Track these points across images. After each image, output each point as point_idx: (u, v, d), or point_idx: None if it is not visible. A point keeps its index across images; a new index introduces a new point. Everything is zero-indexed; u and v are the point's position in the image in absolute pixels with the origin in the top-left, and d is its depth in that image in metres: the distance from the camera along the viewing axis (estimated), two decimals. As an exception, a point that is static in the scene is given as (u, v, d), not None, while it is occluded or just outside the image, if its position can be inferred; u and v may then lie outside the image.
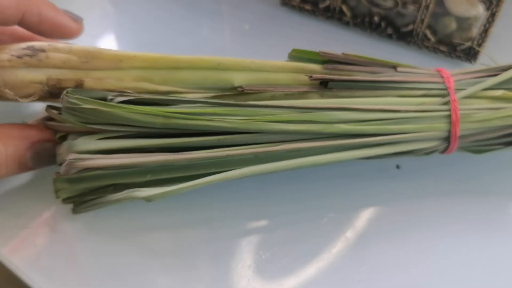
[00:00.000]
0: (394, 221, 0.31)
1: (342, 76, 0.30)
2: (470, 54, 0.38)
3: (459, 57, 0.39)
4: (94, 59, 0.27)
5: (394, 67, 0.32)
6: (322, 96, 0.30)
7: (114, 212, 0.29)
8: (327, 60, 0.31)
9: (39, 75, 0.26)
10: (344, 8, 0.40)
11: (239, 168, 0.28)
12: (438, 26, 0.38)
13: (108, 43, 0.42)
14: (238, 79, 0.29)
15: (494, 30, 0.36)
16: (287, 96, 0.30)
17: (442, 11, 0.37)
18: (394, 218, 0.31)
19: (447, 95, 0.30)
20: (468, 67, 0.39)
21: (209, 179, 0.27)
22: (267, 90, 0.30)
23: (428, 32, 0.38)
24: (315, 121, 0.28)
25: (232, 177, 0.27)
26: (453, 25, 0.36)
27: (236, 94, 0.30)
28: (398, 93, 0.30)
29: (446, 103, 0.30)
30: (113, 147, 0.27)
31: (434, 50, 0.39)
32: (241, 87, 0.29)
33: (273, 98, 0.30)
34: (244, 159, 0.28)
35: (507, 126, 0.30)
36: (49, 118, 0.28)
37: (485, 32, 0.36)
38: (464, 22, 0.36)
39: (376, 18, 0.39)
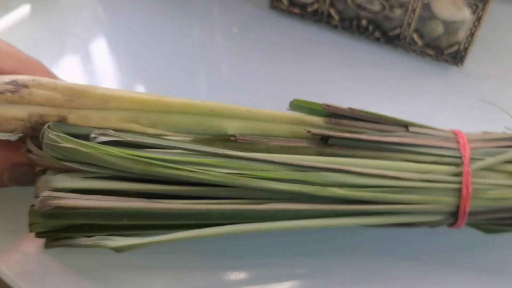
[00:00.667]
0: None
1: (346, 133, 0.28)
2: (457, 58, 0.38)
3: (446, 61, 0.38)
4: (79, 98, 0.26)
5: (405, 126, 0.29)
6: (321, 153, 0.28)
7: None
8: (331, 114, 0.28)
9: (21, 112, 0.25)
10: (332, 11, 0.40)
11: (220, 224, 0.26)
12: (425, 29, 0.37)
13: (98, 46, 0.41)
14: (232, 127, 0.28)
15: (481, 34, 0.35)
16: (283, 150, 0.28)
17: (428, 15, 0.36)
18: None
19: (461, 164, 0.27)
20: (455, 70, 0.38)
21: (184, 235, 0.25)
22: (262, 141, 0.28)
23: (415, 36, 0.38)
24: (307, 182, 0.26)
25: (212, 235, 0.26)
26: (439, 29, 0.36)
27: (229, 141, 0.28)
28: (405, 157, 0.28)
29: (458, 174, 0.27)
30: (91, 187, 0.26)
31: (422, 53, 0.39)
32: (234, 135, 0.27)
33: (268, 150, 0.28)
34: (227, 214, 0.26)
35: (526, 207, 0.27)
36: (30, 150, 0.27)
37: (471, 35, 0.35)
38: (450, 26, 0.36)
39: (363, 22, 0.39)
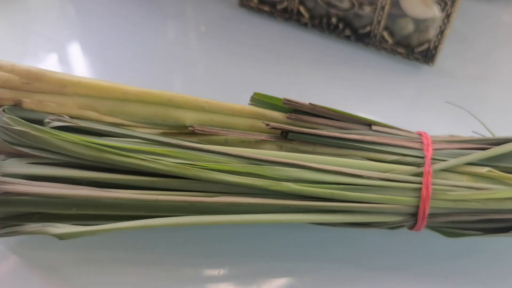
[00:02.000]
0: None
1: (305, 128, 0.27)
2: (428, 56, 0.37)
3: (417, 59, 0.38)
4: (36, 81, 0.26)
5: (369, 124, 0.28)
6: (281, 148, 0.27)
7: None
8: (292, 109, 0.28)
9: (-24, 92, 0.25)
10: (302, 9, 0.40)
11: (171, 215, 0.25)
12: (395, 27, 0.37)
13: (66, 46, 0.41)
14: (190, 118, 0.27)
15: (453, 32, 0.35)
16: (243, 144, 0.28)
17: (398, 12, 0.36)
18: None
19: (422, 164, 0.26)
20: (426, 69, 0.38)
21: (131, 224, 0.24)
22: (220, 133, 0.27)
23: (385, 34, 0.38)
24: (261, 176, 0.25)
25: (159, 226, 0.25)
26: (410, 27, 0.36)
27: (187, 133, 0.28)
28: (366, 155, 0.27)
29: (418, 175, 0.26)
30: (41, 173, 0.25)
31: (392, 52, 0.39)
32: (192, 126, 0.27)
33: (226, 142, 0.28)
34: (177, 206, 0.25)
35: (488, 210, 0.26)
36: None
37: (441, 33, 0.35)
38: (421, 24, 0.36)
39: (333, 20, 0.38)
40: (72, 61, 0.40)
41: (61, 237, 0.24)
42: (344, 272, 0.28)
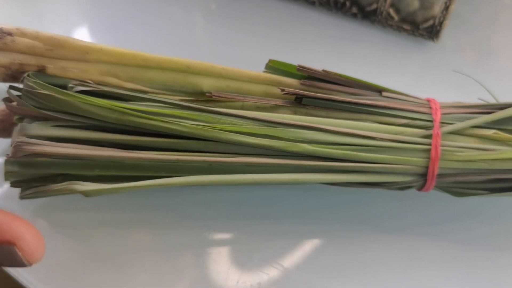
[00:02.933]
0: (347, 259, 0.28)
1: (319, 94, 0.28)
2: (433, 32, 0.38)
3: (422, 36, 0.39)
4: (59, 48, 0.27)
5: (379, 91, 0.29)
6: (295, 113, 0.28)
7: (71, 202, 0.29)
8: (307, 76, 0.29)
9: (3, 59, 0.26)
10: None
11: (191, 175, 0.26)
12: (401, 4, 0.38)
13: (77, 25, 0.42)
14: (208, 84, 0.28)
15: (455, 9, 0.36)
16: (258, 109, 0.29)
17: None
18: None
19: (431, 127, 0.27)
20: (431, 45, 0.39)
21: (152, 182, 0.25)
22: (237, 99, 0.28)
23: (391, 11, 0.38)
24: (278, 137, 0.26)
25: (179, 184, 0.26)
26: (415, 4, 0.37)
27: (205, 100, 0.29)
28: (377, 119, 0.28)
29: (427, 137, 0.27)
30: (65, 135, 0.26)
31: (398, 28, 0.40)
32: (210, 92, 0.28)
33: (243, 108, 0.29)
34: (197, 166, 0.26)
35: (494, 171, 0.27)
36: (10, 99, 0.28)
37: (446, 9, 0.36)
38: (426, 1, 0.36)
39: None
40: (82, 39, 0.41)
41: (87, 194, 0.25)
42: (355, 233, 0.29)
